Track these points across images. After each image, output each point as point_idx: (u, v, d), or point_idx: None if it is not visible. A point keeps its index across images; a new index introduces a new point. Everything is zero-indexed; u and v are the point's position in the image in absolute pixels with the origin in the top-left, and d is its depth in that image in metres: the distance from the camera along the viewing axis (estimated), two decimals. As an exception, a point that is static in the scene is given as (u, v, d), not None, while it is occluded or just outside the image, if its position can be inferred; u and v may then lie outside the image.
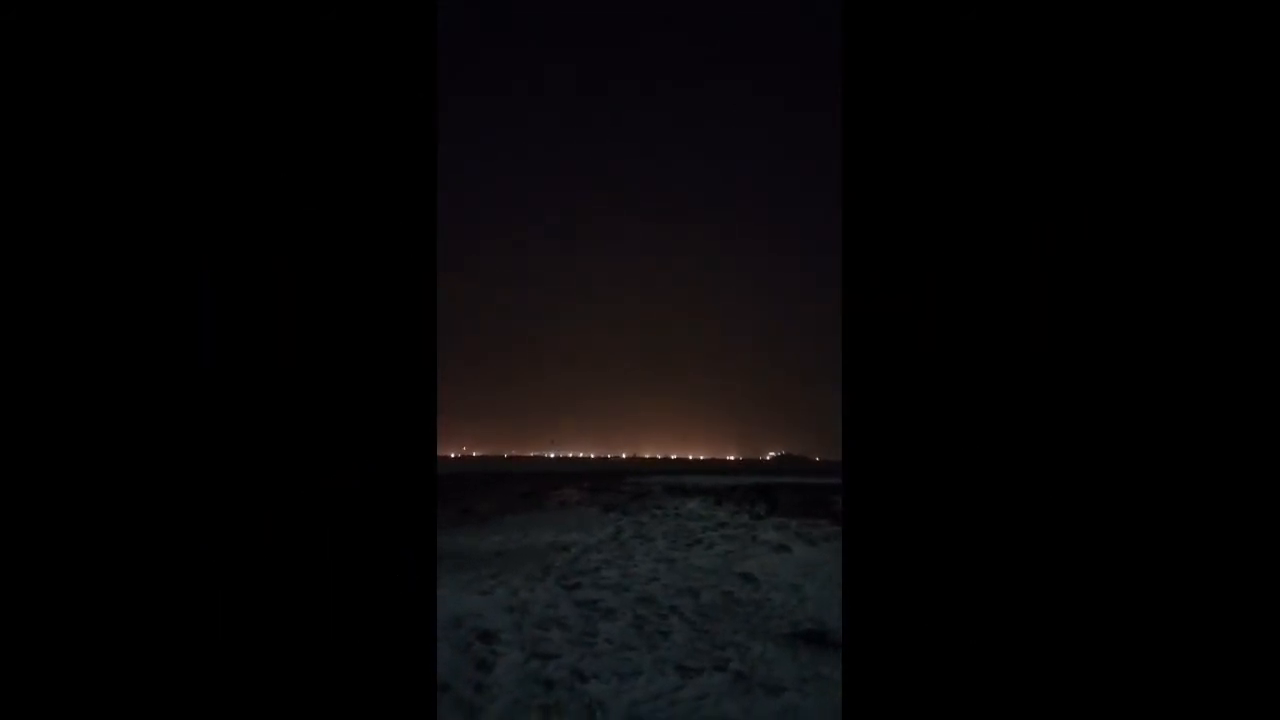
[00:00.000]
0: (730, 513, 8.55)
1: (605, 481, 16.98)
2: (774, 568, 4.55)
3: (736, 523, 7.35)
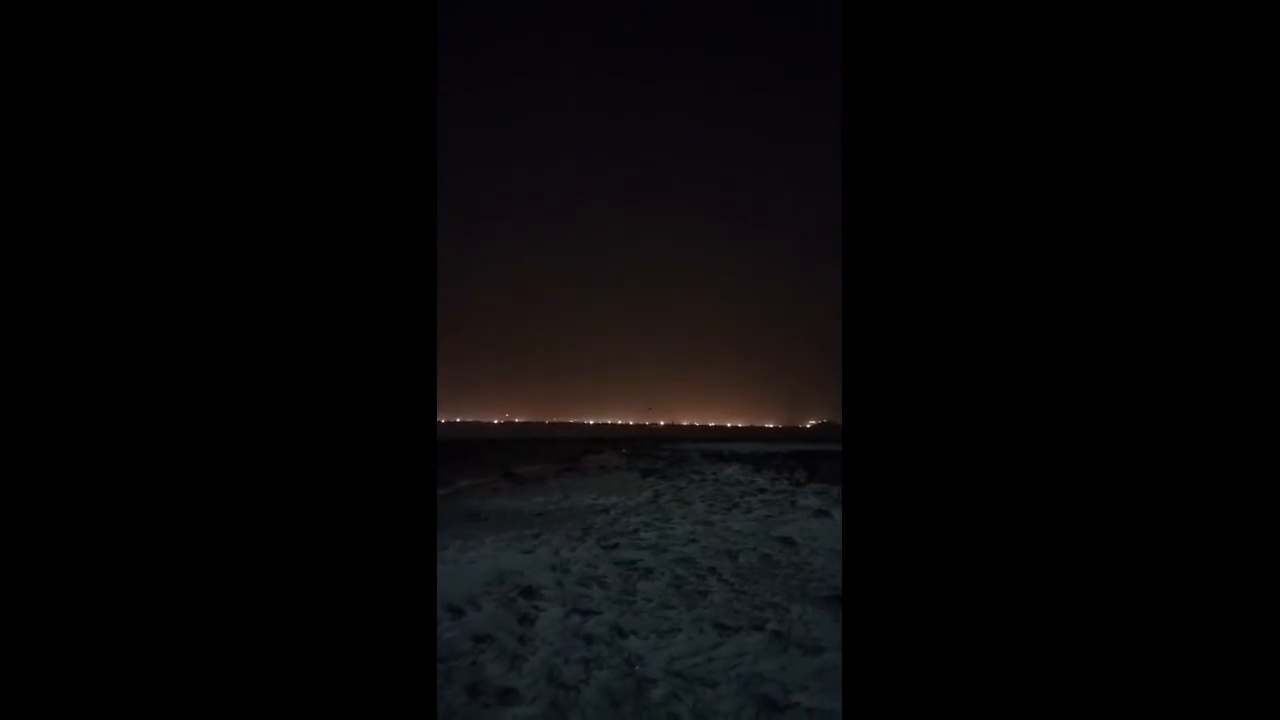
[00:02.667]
0: (769, 479, 8.54)
1: (644, 448, 17.16)
2: (813, 532, 4.53)
3: (775, 489, 7.34)
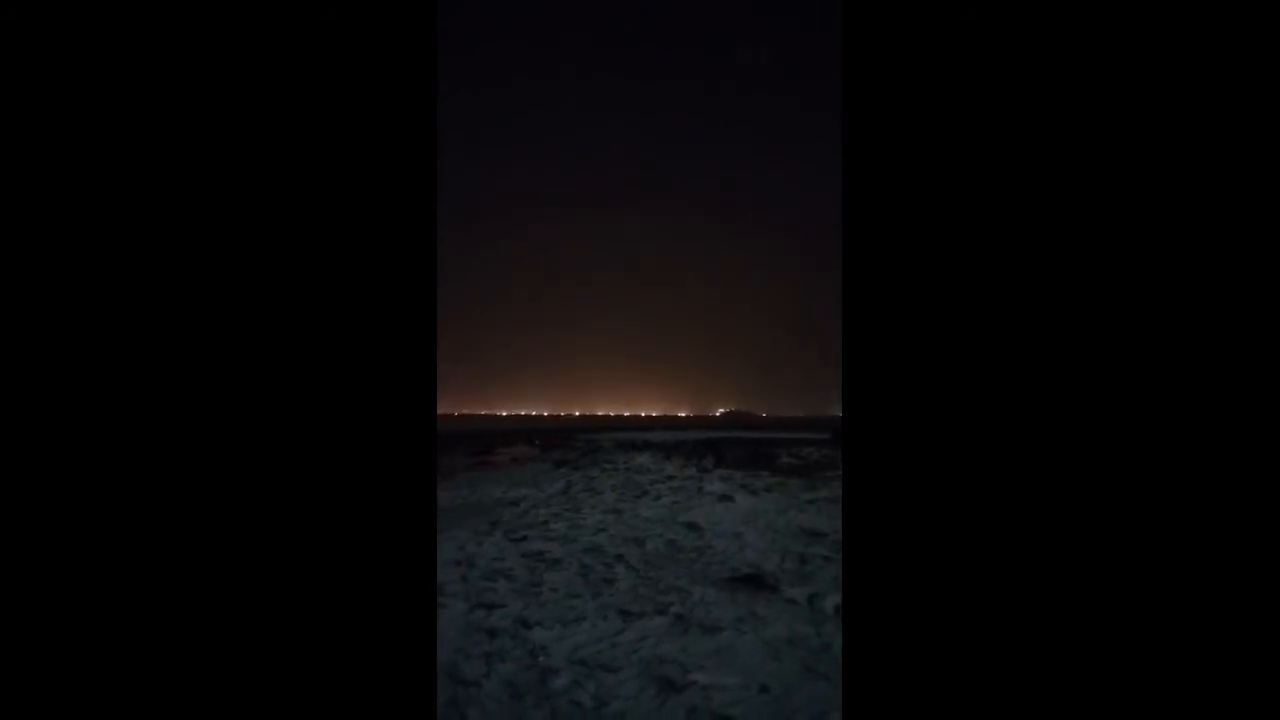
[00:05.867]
0: (678, 466, 8.74)
1: (558, 438, 17.03)
2: (717, 517, 4.69)
3: (684, 475, 7.52)
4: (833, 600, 2.63)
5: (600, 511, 5.00)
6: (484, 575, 3.10)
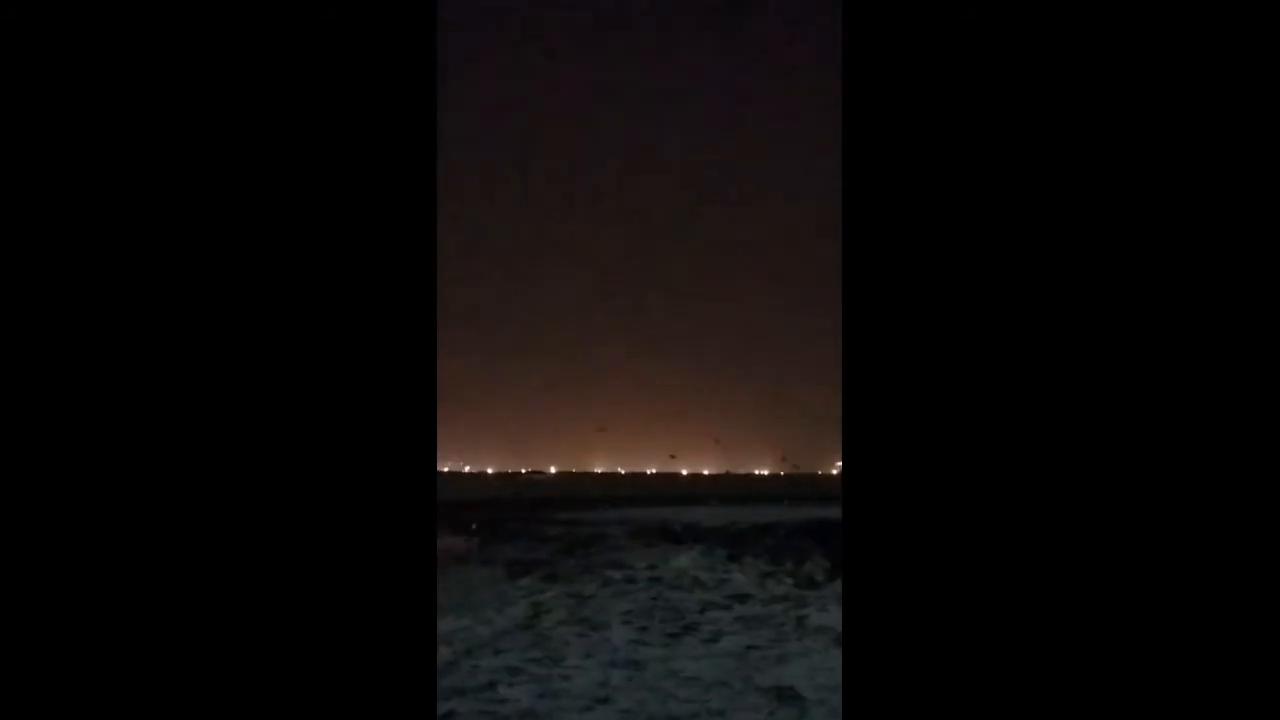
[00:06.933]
0: (756, 575, 8.67)
1: (515, 519, 17.03)
2: (834, 678, 4.59)
3: (767, 593, 7.46)
4: None
5: (602, 664, 4.93)
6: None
